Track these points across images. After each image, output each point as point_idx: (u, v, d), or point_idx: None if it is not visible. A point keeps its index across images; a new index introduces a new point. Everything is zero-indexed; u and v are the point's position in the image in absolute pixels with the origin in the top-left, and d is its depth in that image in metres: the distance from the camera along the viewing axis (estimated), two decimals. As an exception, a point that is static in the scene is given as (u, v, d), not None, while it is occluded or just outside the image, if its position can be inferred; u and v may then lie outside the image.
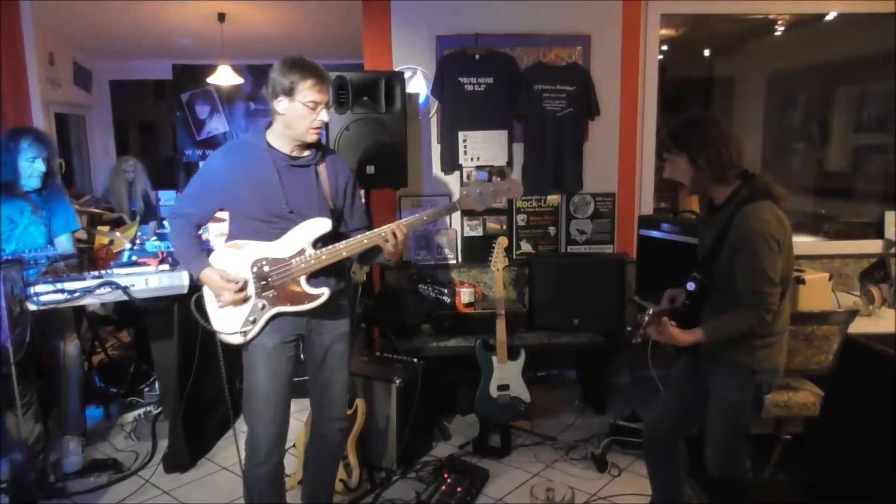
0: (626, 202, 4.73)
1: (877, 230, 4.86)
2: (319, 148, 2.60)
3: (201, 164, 8.50)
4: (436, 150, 4.59)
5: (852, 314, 3.22)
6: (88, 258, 3.70)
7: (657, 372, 3.51)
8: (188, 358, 3.57)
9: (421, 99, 4.53)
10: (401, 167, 3.89)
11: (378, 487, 3.44)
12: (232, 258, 2.52)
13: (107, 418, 4.29)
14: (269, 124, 2.54)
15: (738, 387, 2.49)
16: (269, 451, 2.59)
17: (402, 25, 4.45)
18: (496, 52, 4.45)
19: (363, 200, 2.77)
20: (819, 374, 3.28)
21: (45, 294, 3.00)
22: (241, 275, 2.50)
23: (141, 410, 4.26)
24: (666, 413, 2.81)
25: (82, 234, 4.18)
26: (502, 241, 3.83)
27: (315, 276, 2.53)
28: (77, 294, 3.07)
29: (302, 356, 2.72)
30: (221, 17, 6.08)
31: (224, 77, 7.10)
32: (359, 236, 2.52)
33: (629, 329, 2.48)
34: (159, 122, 8.86)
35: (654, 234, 4.06)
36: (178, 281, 3.27)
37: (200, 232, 2.73)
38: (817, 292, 3.58)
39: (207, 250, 2.69)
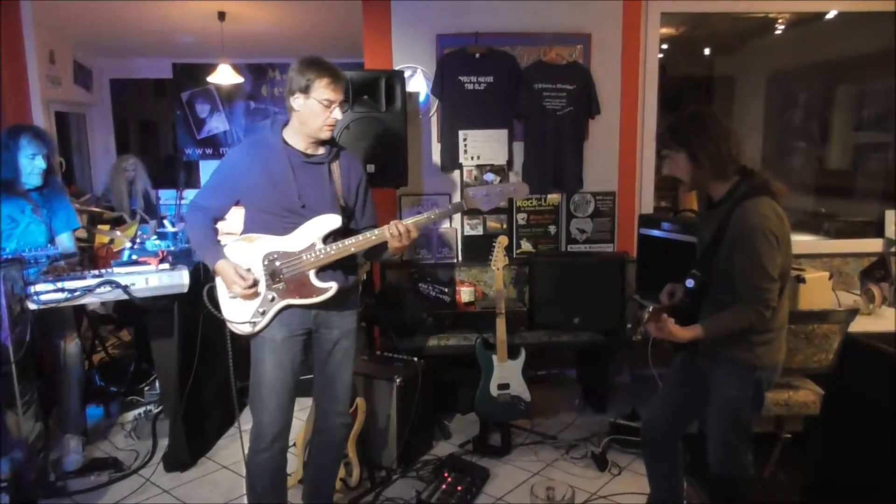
0: (627, 201, 4.73)
1: (877, 229, 4.86)
2: (334, 146, 2.67)
3: (200, 162, 8.56)
4: (436, 149, 4.59)
5: (853, 313, 3.22)
6: (89, 257, 3.69)
7: (657, 370, 3.50)
8: (188, 357, 3.57)
9: (421, 98, 4.53)
10: (401, 166, 3.89)
11: (378, 486, 3.44)
12: (244, 250, 2.59)
13: (107, 417, 4.29)
14: (286, 122, 2.61)
15: (738, 383, 2.49)
16: (273, 440, 2.65)
17: (402, 24, 4.45)
18: (496, 51, 4.45)
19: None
20: (819, 373, 3.28)
21: (46, 293, 3.00)
22: (253, 267, 2.56)
23: (141, 409, 4.25)
24: (663, 410, 2.81)
25: (82, 233, 4.18)
26: (502, 240, 3.83)
27: (324, 271, 2.59)
28: (77, 293, 3.07)
29: (305, 356, 2.75)
30: (222, 15, 6.07)
31: (224, 76, 7.09)
32: (367, 233, 2.57)
33: (629, 326, 2.49)
34: (159, 121, 8.86)
35: (655, 232, 4.06)
36: (178, 280, 3.27)
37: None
38: (818, 291, 3.58)
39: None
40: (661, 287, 2.75)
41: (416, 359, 3.81)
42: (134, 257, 3.54)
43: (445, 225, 4.64)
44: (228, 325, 2.64)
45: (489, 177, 4.57)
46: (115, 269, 3.20)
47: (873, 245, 4.78)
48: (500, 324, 3.76)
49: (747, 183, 2.42)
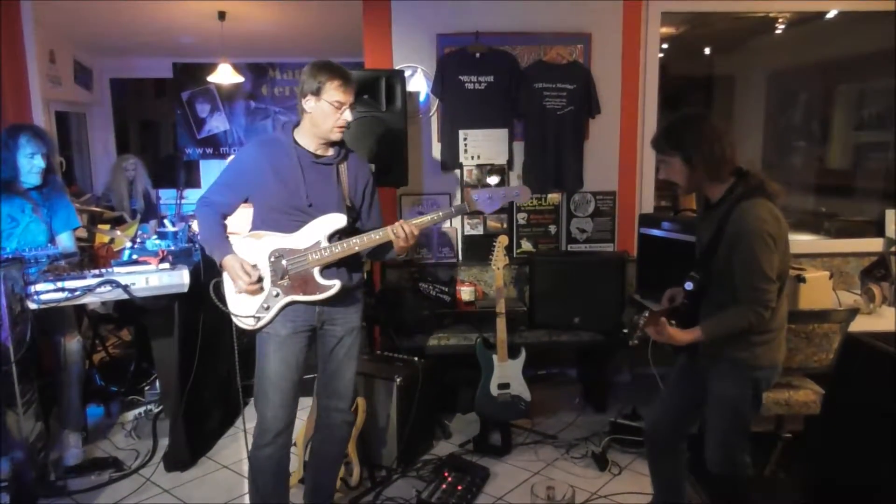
0: (627, 200, 4.73)
1: (877, 228, 4.85)
2: (343, 148, 2.72)
3: (201, 162, 8.56)
4: (436, 148, 4.59)
5: (853, 312, 3.22)
6: (89, 256, 3.70)
7: (658, 370, 3.50)
8: (189, 356, 3.58)
9: (421, 97, 4.53)
10: (401, 165, 3.89)
11: (378, 486, 3.44)
12: (252, 247, 2.64)
13: (107, 417, 4.29)
14: (297, 123, 2.66)
15: (737, 383, 2.49)
16: (276, 435, 2.69)
17: (402, 24, 4.45)
18: (497, 51, 4.45)
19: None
20: (820, 373, 3.28)
21: (46, 292, 3.00)
22: (259, 263, 2.61)
23: (141, 409, 4.25)
24: (666, 412, 2.81)
25: (83, 233, 4.18)
26: (503, 240, 3.83)
27: (328, 269, 2.63)
28: (77, 292, 3.07)
29: (310, 353, 2.78)
30: (222, 15, 6.07)
31: (224, 75, 7.09)
32: (371, 233, 2.62)
33: (626, 332, 2.49)
34: (160, 121, 8.85)
35: (655, 232, 4.06)
36: (179, 279, 3.28)
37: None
38: (818, 290, 3.58)
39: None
40: (661, 286, 2.76)
41: (416, 358, 3.81)
42: (134, 257, 3.54)
43: (446, 224, 4.64)
44: (233, 318, 2.68)
45: (493, 179, 4.57)
46: (116, 269, 3.21)
47: (874, 244, 4.78)
48: (501, 323, 3.76)
49: (744, 184, 2.42)
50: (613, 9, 4.53)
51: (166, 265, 3.30)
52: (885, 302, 3.98)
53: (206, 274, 3.44)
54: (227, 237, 2.70)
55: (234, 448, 3.88)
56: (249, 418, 2.95)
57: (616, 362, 4.72)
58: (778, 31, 5.58)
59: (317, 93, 2.53)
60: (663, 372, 3.47)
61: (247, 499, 3.26)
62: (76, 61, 7.13)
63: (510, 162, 4.60)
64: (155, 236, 4.01)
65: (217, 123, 8.51)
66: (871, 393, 2.95)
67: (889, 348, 2.96)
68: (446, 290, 4.33)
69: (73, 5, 5.52)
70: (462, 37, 4.44)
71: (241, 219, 2.86)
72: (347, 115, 2.58)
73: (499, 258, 3.78)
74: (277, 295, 2.62)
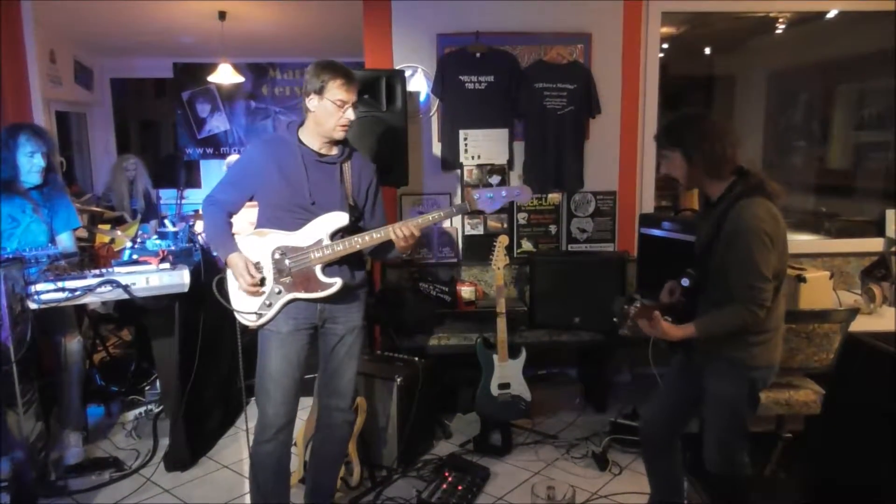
0: (627, 200, 4.73)
1: (878, 228, 4.85)
2: (347, 147, 2.74)
3: (201, 162, 8.57)
4: (436, 148, 4.59)
5: (853, 312, 3.22)
6: (89, 256, 3.70)
7: (658, 370, 3.50)
8: (189, 356, 3.58)
9: (422, 97, 4.53)
10: (401, 165, 3.89)
11: (379, 486, 3.44)
12: (255, 244, 2.67)
13: (108, 416, 4.29)
14: (302, 123, 2.69)
15: (733, 383, 2.50)
16: (277, 431, 2.71)
17: (402, 24, 4.45)
18: (497, 51, 4.45)
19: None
20: (820, 373, 3.29)
21: (46, 292, 3.00)
22: (263, 260, 2.64)
23: (142, 409, 4.25)
24: (662, 410, 2.81)
25: (83, 233, 4.18)
26: (503, 240, 3.83)
27: (330, 267, 2.65)
28: (78, 292, 3.07)
29: (312, 351, 2.80)
30: (222, 15, 6.07)
31: (225, 75, 7.09)
32: (373, 231, 2.65)
33: (615, 320, 2.49)
34: (160, 121, 8.85)
35: (655, 232, 4.05)
36: (179, 279, 3.28)
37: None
38: (818, 290, 3.58)
39: None
40: (661, 286, 2.76)
41: (416, 358, 3.81)
42: (134, 257, 3.54)
43: (446, 224, 4.64)
44: (236, 315, 2.71)
45: (494, 179, 4.57)
46: (116, 269, 3.21)
47: (874, 244, 4.78)
48: (501, 323, 3.76)
49: (743, 183, 2.43)
50: (614, 9, 4.53)
51: (167, 265, 3.30)
52: (886, 302, 3.98)
53: (207, 274, 3.45)
54: (233, 235, 2.73)
55: (235, 448, 3.89)
56: (250, 418, 2.95)
57: (616, 362, 4.72)
58: (778, 31, 5.58)
59: (320, 92, 2.56)
60: (663, 372, 3.47)
61: (247, 498, 3.27)
62: (76, 61, 7.14)
63: (510, 162, 4.60)
64: (155, 236, 4.02)
65: (217, 123, 8.51)
66: (871, 393, 2.95)
67: (889, 348, 2.96)
68: (447, 289, 4.33)
69: (74, 5, 5.52)
70: (462, 37, 4.44)
71: (241, 219, 2.88)
72: (350, 114, 2.59)
73: (499, 258, 3.78)
74: (279, 292, 2.65)
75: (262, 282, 2.63)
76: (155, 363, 3.84)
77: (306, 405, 3.26)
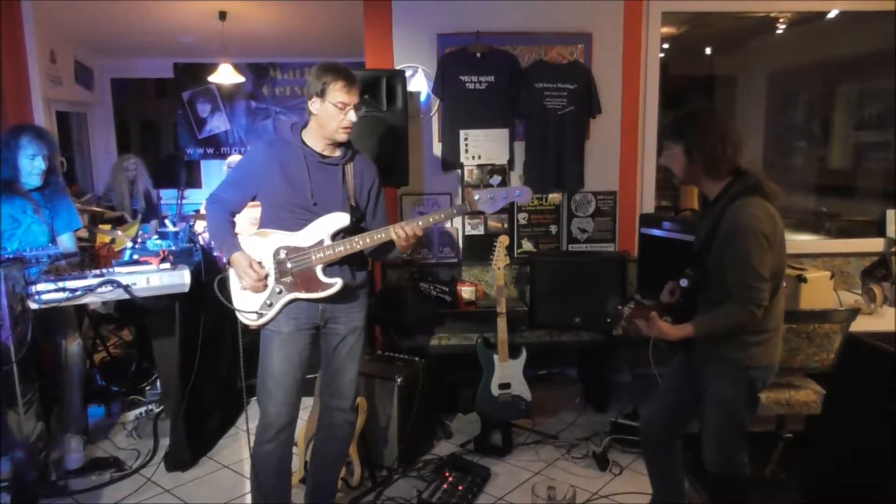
0: (628, 200, 4.73)
1: (878, 228, 4.85)
2: (349, 149, 2.75)
3: (202, 162, 8.56)
4: (437, 148, 4.59)
5: (854, 312, 3.22)
6: (90, 256, 3.70)
7: (659, 370, 3.50)
8: (189, 356, 3.58)
9: (422, 97, 4.53)
10: (402, 166, 3.89)
11: (379, 486, 3.44)
12: (257, 244, 2.69)
13: (108, 416, 4.29)
14: (306, 124, 2.70)
15: (732, 383, 2.49)
16: (278, 431, 2.72)
17: (403, 24, 4.45)
18: (497, 51, 4.45)
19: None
20: (820, 373, 3.28)
21: (47, 292, 3.00)
22: (265, 260, 2.65)
23: (142, 409, 4.26)
24: (662, 410, 2.82)
25: (84, 233, 4.18)
26: (503, 240, 3.83)
27: (331, 267, 2.66)
28: (78, 292, 3.07)
29: (314, 351, 2.81)
30: (223, 15, 6.07)
31: (225, 75, 7.09)
32: (373, 232, 2.66)
33: (609, 320, 2.50)
34: (160, 121, 8.85)
35: (656, 232, 4.05)
36: (180, 279, 3.27)
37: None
38: (819, 290, 3.58)
39: None
40: (662, 286, 2.76)
41: (417, 358, 3.81)
42: (135, 257, 3.55)
43: (447, 224, 4.64)
44: (237, 314, 2.72)
45: (495, 180, 4.57)
46: (117, 269, 3.21)
47: (874, 244, 4.77)
48: (501, 323, 3.76)
49: (740, 183, 2.43)
50: (614, 9, 4.53)
51: (167, 265, 3.30)
52: (886, 302, 3.98)
53: (207, 274, 3.45)
54: (236, 234, 2.74)
55: (235, 448, 3.89)
56: (251, 418, 2.95)
57: (617, 362, 4.72)
58: (779, 31, 5.58)
59: (321, 94, 2.57)
60: (664, 372, 3.47)
61: (248, 499, 3.27)
62: (77, 61, 7.14)
63: (511, 162, 4.60)
64: (156, 236, 4.02)
65: (218, 123, 8.51)
66: (871, 393, 2.95)
67: (890, 348, 2.96)
68: (447, 289, 4.33)
69: (74, 5, 5.52)
70: (463, 37, 4.43)
71: (242, 219, 2.88)
72: (352, 116, 2.60)
73: (499, 258, 3.78)
74: (280, 292, 2.66)
75: (267, 277, 2.65)
76: (155, 363, 3.84)
77: (307, 405, 3.26)
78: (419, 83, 4.50)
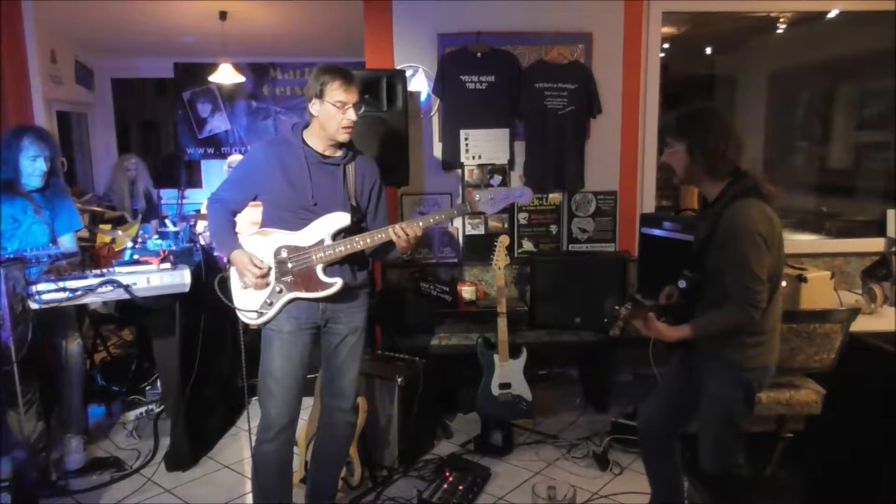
0: (628, 200, 4.73)
1: (879, 228, 4.85)
2: (351, 149, 2.76)
3: (202, 162, 8.57)
4: (437, 148, 4.59)
5: (854, 312, 3.22)
6: (90, 256, 3.70)
7: (659, 370, 3.50)
8: (190, 356, 3.58)
9: (422, 97, 4.53)
10: (402, 165, 3.89)
11: (380, 485, 3.44)
12: (258, 243, 2.69)
13: (109, 416, 4.29)
14: (307, 125, 2.72)
15: (728, 384, 2.49)
16: (279, 431, 2.72)
17: (403, 24, 4.45)
18: (498, 50, 4.45)
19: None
20: (821, 372, 3.28)
21: (47, 292, 3.00)
22: (266, 260, 2.65)
23: (143, 408, 4.26)
24: (659, 410, 2.81)
25: (84, 233, 4.18)
26: (504, 240, 3.83)
27: (332, 267, 2.67)
28: (79, 292, 3.07)
29: (314, 351, 2.81)
30: (223, 15, 6.07)
31: (226, 75, 7.09)
32: (373, 232, 2.67)
33: (606, 321, 2.49)
34: (161, 121, 8.86)
35: (656, 232, 4.05)
36: (180, 279, 3.28)
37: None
38: (819, 290, 3.58)
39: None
40: (662, 286, 2.76)
41: (417, 358, 3.81)
42: (135, 257, 3.55)
43: (447, 224, 4.64)
44: (238, 313, 2.73)
45: (496, 180, 4.57)
46: (117, 269, 3.21)
47: (875, 244, 4.77)
48: (502, 323, 3.76)
49: (739, 184, 2.43)
50: (614, 8, 4.53)
51: (167, 265, 3.30)
52: (887, 302, 3.98)
53: (208, 274, 3.45)
54: (236, 233, 2.75)
55: (236, 448, 3.89)
56: (252, 417, 2.95)
57: (617, 362, 4.71)
58: (779, 31, 5.58)
59: (320, 95, 2.58)
60: (664, 372, 3.48)
61: (248, 499, 3.27)
62: (77, 61, 7.14)
63: (511, 162, 4.60)
64: (156, 236, 4.02)
65: (218, 123, 8.52)
66: (873, 392, 2.96)
67: (890, 348, 2.96)
68: (447, 289, 4.33)
69: (75, 5, 5.52)
70: (463, 36, 4.44)
71: (243, 219, 2.89)
72: (351, 115, 2.60)
73: (500, 258, 3.79)
74: (281, 291, 2.66)
75: (269, 272, 2.65)
76: (156, 363, 3.84)
77: (308, 405, 3.26)
78: (419, 83, 4.50)
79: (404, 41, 4.47)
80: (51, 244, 3.39)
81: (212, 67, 7.24)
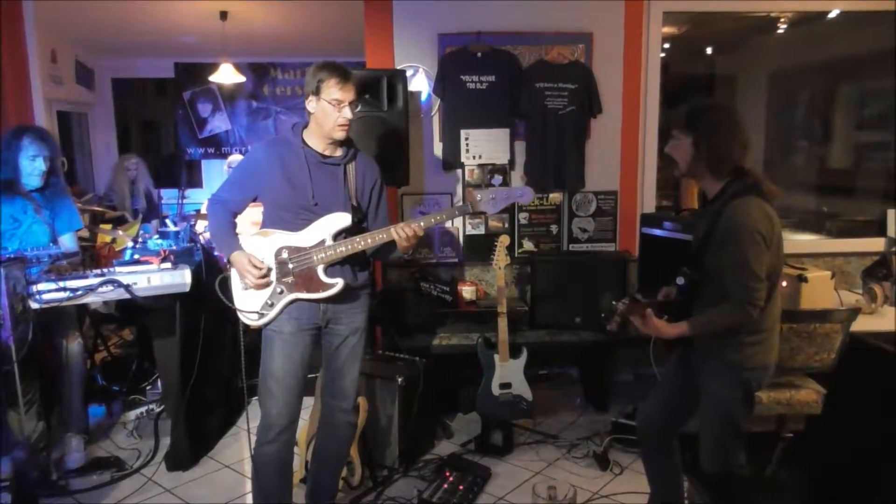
0: (629, 200, 4.73)
1: (879, 228, 4.85)
2: (351, 148, 2.76)
3: (202, 162, 8.58)
4: (438, 148, 4.59)
5: (854, 312, 3.22)
6: (91, 256, 3.70)
7: (659, 369, 3.51)
8: (190, 356, 3.58)
9: (423, 97, 4.53)
10: (402, 165, 3.89)
11: (380, 485, 3.45)
12: (259, 244, 2.69)
13: (109, 416, 4.29)
14: (306, 125, 2.71)
15: (727, 384, 2.49)
16: (280, 432, 2.71)
17: (403, 23, 4.45)
18: (498, 50, 4.45)
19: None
20: (821, 372, 3.28)
21: (48, 292, 3.00)
22: (266, 260, 2.65)
23: (143, 408, 4.25)
24: (658, 409, 2.81)
25: (85, 233, 4.19)
26: (504, 240, 3.83)
27: (332, 267, 2.66)
28: (79, 292, 3.07)
29: (315, 351, 2.81)
30: (224, 15, 6.08)
31: (226, 75, 7.10)
32: (375, 232, 2.66)
33: (603, 315, 2.49)
34: (161, 121, 8.86)
35: (657, 232, 4.05)
36: (180, 279, 3.28)
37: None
38: (820, 290, 3.58)
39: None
40: (662, 286, 2.75)
41: (417, 358, 3.81)
42: (136, 256, 3.55)
43: (448, 224, 4.64)
44: (239, 314, 2.72)
45: (497, 180, 4.57)
46: (117, 269, 3.21)
47: (875, 244, 4.77)
48: (502, 323, 3.76)
49: (739, 182, 2.43)
50: (615, 8, 4.53)
51: (168, 265, 3.30)
52: (887, 302, 3.98)
53: (208, 273, 3.45)
54: (237, 234, 2.74)
55: (236, 448, 3.89)
56: (252, 417, 2.95)
57: (617, 362, 4.72)
58: (779, 31, 5.58)
59: (317, 92, 2.58)
60: (665, 371, 3.48)
61: (248, 499, 3.27)
62: (78, 61, 7.15)
63: (512, 161, 4.60)
64: (157, 236, 4.02)
65: (219, 123, 8.52)
66: (873, 392, 2.95)
67: (890, 348, 2.96)
68: (448, 289, 4.33)
69: (75, 5, 5.52)
70: (464, 36, 4.44)
71: (243, 219, 2.88)
72: (347, 113, 2.60)
73: (500, 258, 3.79)
74: (282, 292, 2.66)
75: (269, 272, 2.65)
76: (156, 363, 3.84)
77: (308, 405, 3.26)
78: (420, 83, 4.50)
79: (405, 41, 4.47)
80: (51, 244, 3.39)
81: (212, 67, 7.24)
